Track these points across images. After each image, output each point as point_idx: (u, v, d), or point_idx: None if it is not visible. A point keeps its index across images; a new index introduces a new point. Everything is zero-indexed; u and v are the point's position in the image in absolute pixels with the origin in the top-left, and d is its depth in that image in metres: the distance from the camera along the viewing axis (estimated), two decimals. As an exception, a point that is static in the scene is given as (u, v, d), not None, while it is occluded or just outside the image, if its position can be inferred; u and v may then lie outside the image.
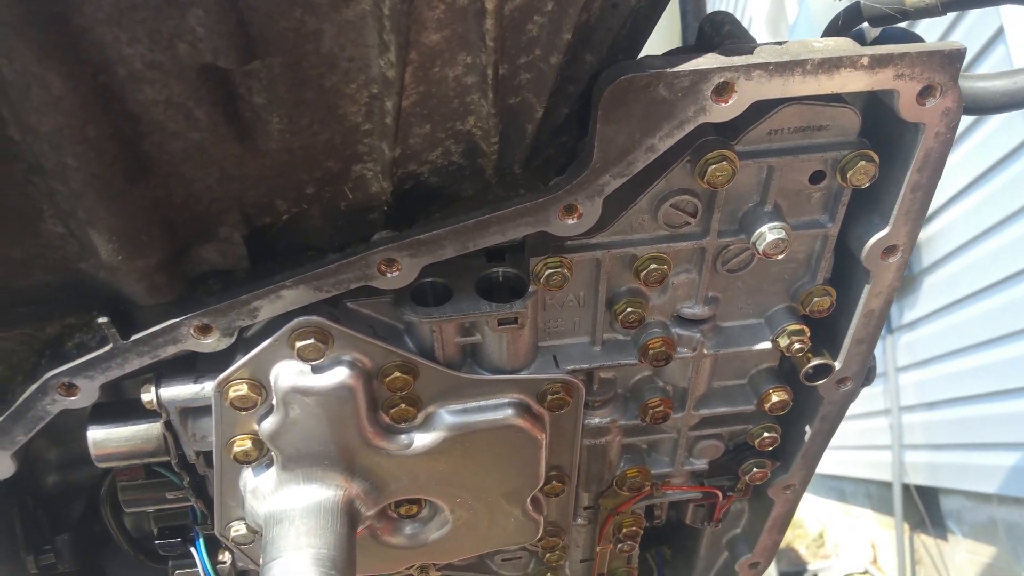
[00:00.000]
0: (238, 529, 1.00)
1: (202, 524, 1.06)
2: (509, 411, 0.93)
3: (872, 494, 7.58)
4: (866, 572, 7.51)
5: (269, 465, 0.94)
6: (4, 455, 0.90)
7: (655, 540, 1.38)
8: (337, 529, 0.90)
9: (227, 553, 1.09)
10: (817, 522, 9.46)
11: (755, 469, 1.10)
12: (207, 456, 0.96)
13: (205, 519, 1.05)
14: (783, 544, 6.42)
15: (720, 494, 1.15)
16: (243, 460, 0.92)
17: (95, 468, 1.17)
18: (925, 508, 6.15)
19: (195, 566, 1.09)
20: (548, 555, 1.17)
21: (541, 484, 1.00)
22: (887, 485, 6.79)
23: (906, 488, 6.04)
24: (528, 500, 1.02)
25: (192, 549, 1.08)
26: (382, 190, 0.81)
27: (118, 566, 1.22)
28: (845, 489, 8.52)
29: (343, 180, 0.79)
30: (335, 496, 0.92)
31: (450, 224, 0.79)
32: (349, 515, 0.93)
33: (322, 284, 0.82)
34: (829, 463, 8.48)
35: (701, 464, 1.12)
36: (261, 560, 0.91)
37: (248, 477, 0.94)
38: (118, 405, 0.96)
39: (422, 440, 0.93)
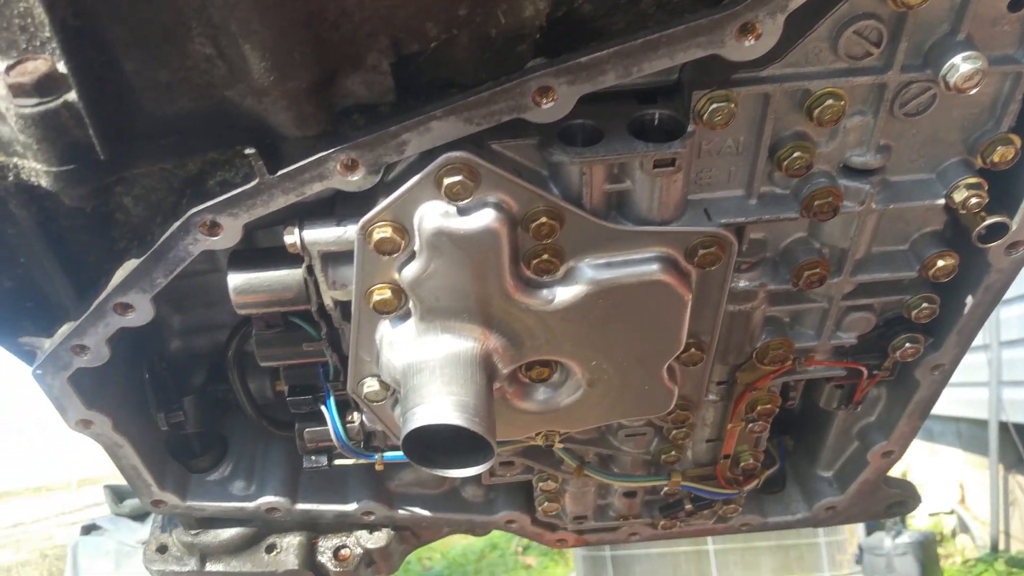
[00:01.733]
0: (371, 386, 0.99)
1: (333, 382, 1.06)
2: (655, 266, 0.88)
3: (963, 432, 7.34)
4: (953, 512, 7.34)
5: (406, 317, 0.91)
6: (144, 299, 0.90)
7: (777, 430, 1.32)
8: (477, 380, 0.88)
9: (355, 414, 1.09)
10: (901, 461, 9.27)
11: (907, 345, 1.03)
12: (344, 307, 0.95)
13: (336, 376, 1.05)
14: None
15: (865, 372, 1.08)
16: (382, 310, 0.89)
17: (215, 335, 1.19)
18: (1022, 446, 5.91)
19: (323, 426, 1.09)
20: (674, 432, 1.13)
21: (680, 350, 0.96)
22: (980, 423, 6.55)
23: (1002, 426, 5.81)
24: (665, 367, 0.98)
25: (322, 408, 1.08)
26: (536, 13, 0.75)
27: (238, 436, 1.24)
28: (933, 428, 8.26)
29: (497, 1, 0.74)
30: (473, 349, 0.90)
31: (614, 44, 0.74)
32: (486, 370, 0.90)
33: (473, 115, 0.78)
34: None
35: (849, 338, 1.05)
36: (400, 409, 0.89)
37: (385, 329, 0.93)
38: (256, 252, 0.95)
39: (563, 295, 0.89)
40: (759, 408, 1.10)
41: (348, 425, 1.09)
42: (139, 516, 4.22)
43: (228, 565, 1.23)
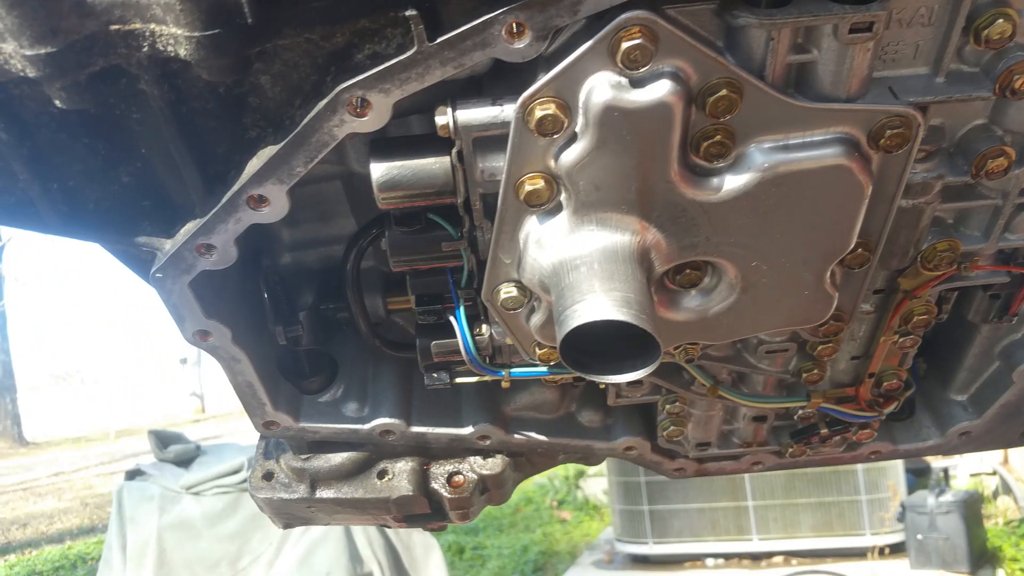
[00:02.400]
0: (508, 291, 0.92)
1: (464, 290, 0.99)
2: (837, 148, 0.80)
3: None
4: (995, 472, 7.25)
5: (555, 212, 0.84)
6: (281, 190, 0.83)
7: (910, 352, 1.25)
8: (638, 276, 0.81)
9: (483, 327, 1.03)
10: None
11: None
12: (489, 203, 0.87)
13: (470, 283, 0.98)
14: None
15: (1033, 277, 1.01)
16: (532, 202, 0.82)
17: (327, 251, 1.12)
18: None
19: (447, 338, 1.02)
20: (820, 347, 1.06)
21: (848, 249, 0.88)
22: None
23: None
24: (829, 269, 0.90)
25: (451, 319, 1.01)
26: None
27: (348, 358, 1.19)
28: (973, 388, 8.06)
29: None
30: (632, 243, 0.83)
31: None
32: (645, 266, 0.83)
33: (656, -31, 0.70)
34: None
35: (1018, 240, 0.97)
36: (555, 309, 0.82)
37: (532, 226, 0.85)
38: (398, 140, 0.88)
39: (732, 184, 0.82)
40: (914, 319, 1.03)
41: (476, 337, 1.02)
42: (183, 462, 4.24)
43: (339, 491, 1.18)
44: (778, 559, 5.85)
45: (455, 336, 1.01)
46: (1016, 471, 6.95)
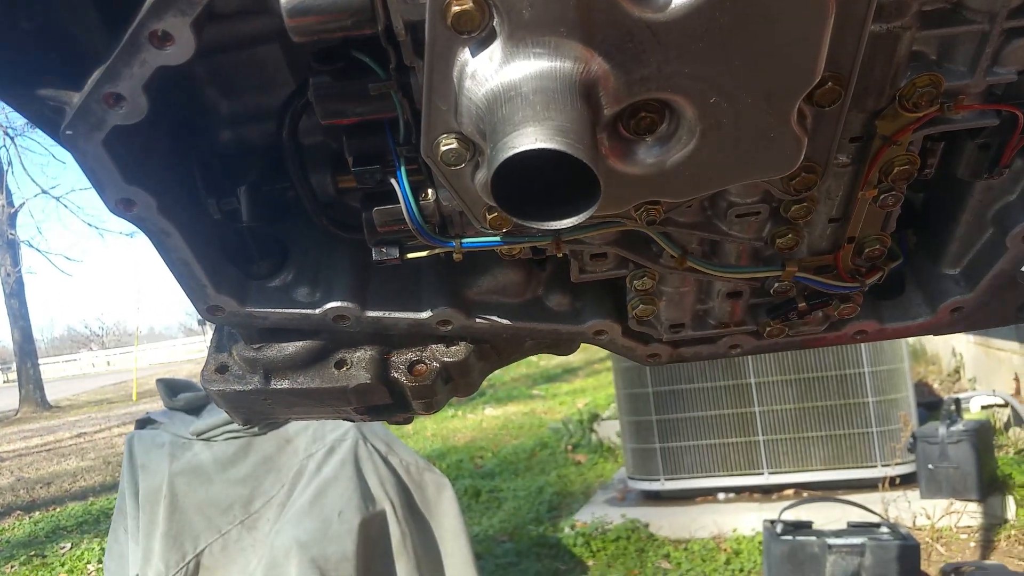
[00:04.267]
0: (448, 143, 0.83)
1: (403, 145, 0.92)
2: (796, -45, 0.72)
3: (1021, 325, 7.13)
4: (1007, 404, 7.20)
5: (490, 40, 0.76)
6: (184, 24, 0.76)
7: (898, 223, 1.17)
8: (579, 107, 0.74)
9: (429, 190, 0.96)
10: (954, 357, 9.10)
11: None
12: (417, 35, 0.80)
13: (408, 138, 0.91)
14: (914, 378, 6.16)
15: (1022, 117, 0.92)
16: (462, 28, 0.74)
17: (270, 126, 1.05)
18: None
19: (393, 204, 0.95)
20: (794, 207, 0.98)
21: (815, 81, 0.80)
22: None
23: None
24: (795, 107, 0.82)
25: (392, 181, 0.94)
26: None
27: (300, 243, 1.12)
28: (988, 320, 8.00)
29: None
30: (572, 71, 0.75)
31: None
32: (589, 102, 0.76)
33: None
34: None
35: (1007, 74, 0.89)
36: (488, 144, 0.75)
37: (466, 59, 0.78)
38: None
39: (682, -1, 0.74)
40: (895, 171, 0.95)
41: (422, 203, 0.96)
42: (193, 409, 4.23)
43: (295, 381, 1.13)
44: (789, 492, 5.85)
45: (400, 203, 0.94)
46: (1030, 403, 6.89)
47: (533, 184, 0.75)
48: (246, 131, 1.06)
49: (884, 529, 4.35)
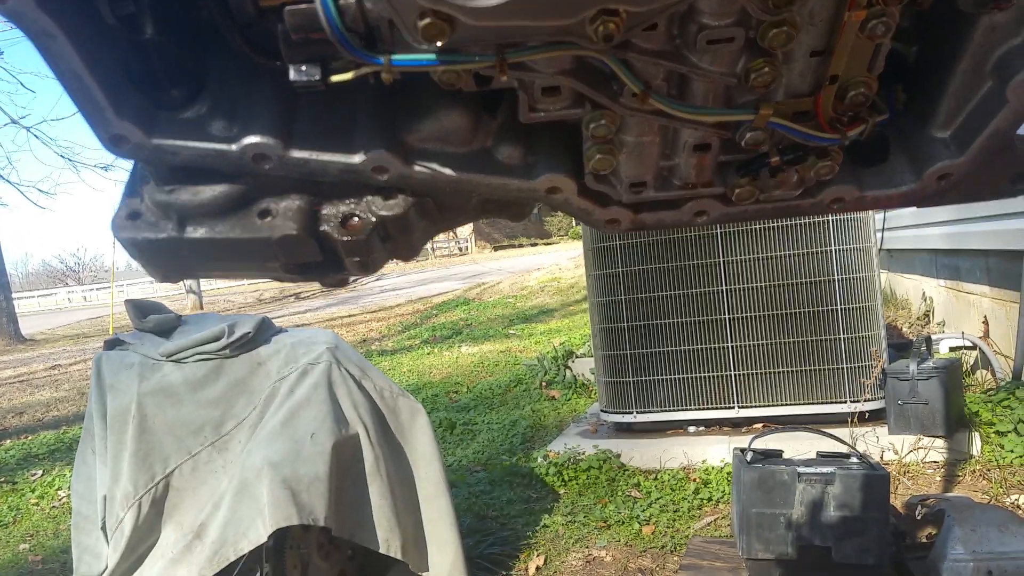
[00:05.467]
0: None
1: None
2: None
3: (991, 267, 7.15)
4: (974, 346, 7.25)
5: None
6: None
7: (884, 79, 1.06)
8: None
9: (355, -6, 0.83)
10: (923, 301, 9.13)
11: None
12: None
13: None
14: (885, 321, 6.14)
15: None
16: None
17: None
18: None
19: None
20: (772, 33, 0.87)
21: None
22: (1012, 254, 6.36)
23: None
24: None
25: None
26: None
27: (217, 74, 0.99)
28: (959, 265, 8.11)
29: None
30: None
31: None
32: None
33: None
34: (941, 239, 8.01)
35: None
36: None
37: None
38: None
39: None
40: (886, -15, 0.83)
41: (342, 4, 0.83)
42: (163, 331, 4.11)
43: (212, 230, 1.01)
44: (758, 426, 5.86)
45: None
46: (996, 344, 6.93)
47: None
48: None
49: (854, 459, 4.35)
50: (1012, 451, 5.10)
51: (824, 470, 4.17)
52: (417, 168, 1.02)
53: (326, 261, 1.05)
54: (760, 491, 4.22)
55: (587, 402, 7.90)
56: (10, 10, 0.78)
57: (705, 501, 5.18)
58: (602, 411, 6.40)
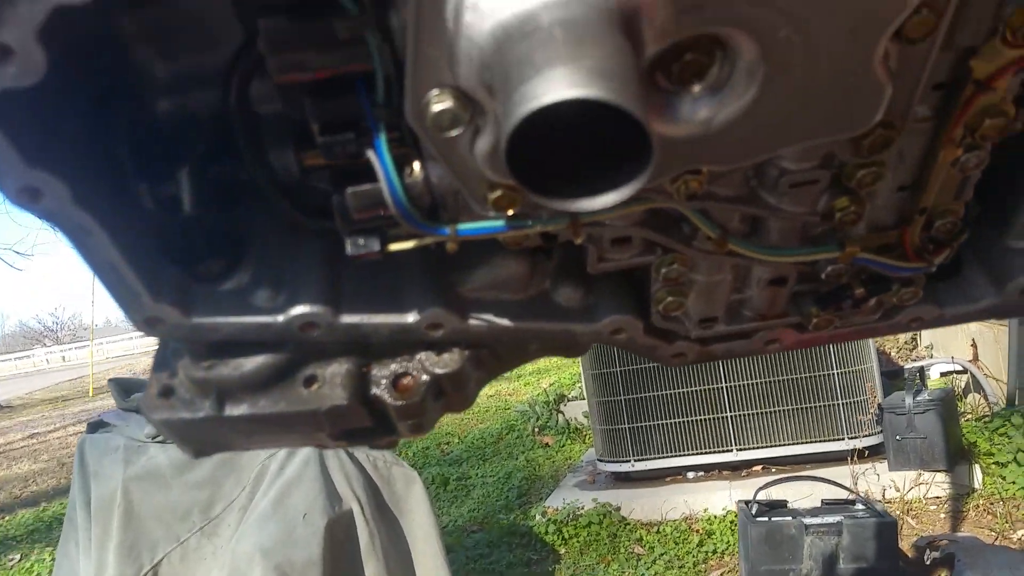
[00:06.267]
0: (441, 102, 0.63)
1: (383, 107, 0.72)
2: None
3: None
4: (965, 370, 7.28)
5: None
6: None
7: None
8: (619, 44, 0.55)
9: (415, 164, 0.76)
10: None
11: None
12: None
13: (389, 99, 0.71)
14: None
15: None
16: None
17: (216, 91, 0.85)
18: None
19: (371, 183, 0.76)
20: (861, 173, 0.81)
21: (911, 8, 0.63)
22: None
23: None
24: (883, 40, 0.64)
25: (369, 153, 0.74)
26: None
27: (260, 236, 0.92)
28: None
29: None
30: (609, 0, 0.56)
31: None
32: (630, 37, 0.57)
33: None
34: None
35: None
36: (498, 99, 0.56)
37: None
38: None
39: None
40: (985, 124, 0.78)
41: (408, 181, 0.76)
42: (146, 412, 3.97)
43: (254, 406, 0.92)
44: (758, 468, 5.80)
45: (380, 181, 0.74)
46: (986, 367, 6.96)
47: (550, 154, 0.57)
48: (189, 99, 0.85)
49: (859, 506, 4.29)
50: (1014, 483, 5.08)
51: (831, 520, 4.11)
52: (473, 321, 0.94)
53: (376, 426, 0.97)
54: (768, 546, 4.14)
55: (581, 448, 7.80)
56: (45, 209, 0.70)
57: (710, 554, 5.08)
58: (599, 460, 6.30)
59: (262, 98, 0.84)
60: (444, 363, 0.96)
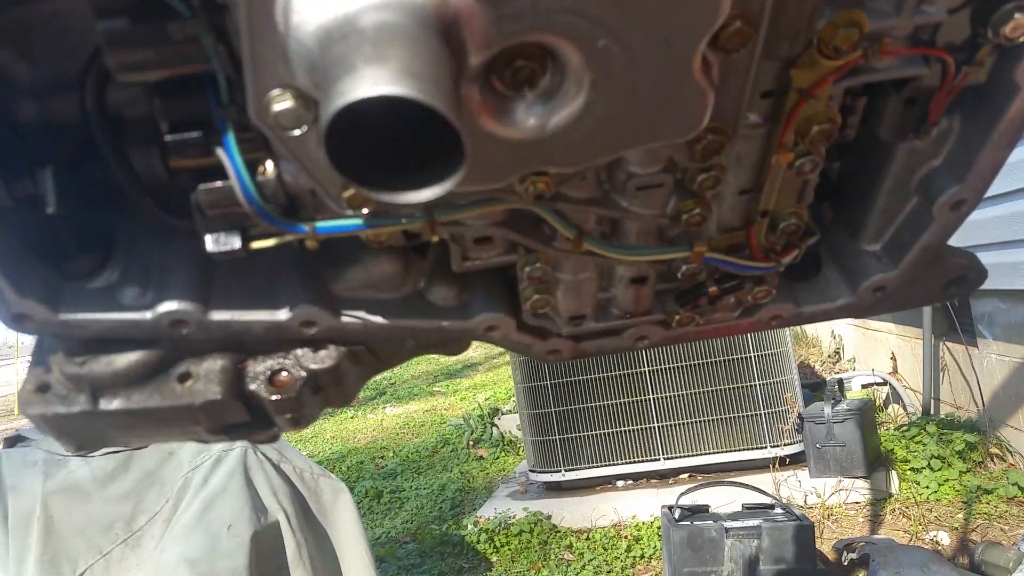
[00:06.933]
0: (281, 102, 0.64)
1: (228, 106, 0.75)
2: None
3: (894, 304, 7.45)
4: (885, 382, 7.53)
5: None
6: None
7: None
8: (435, 49, 0.58)
9: (268, 163, 0.79)
10: (833, 339, 9.45)
11: (1017, 15, 0.78)
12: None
13: (233, 95, 0.74)
14: (797, 360, 6.32)
15: (952, 64, 0.83)
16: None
17: (78, 97, 0.86)
18: (954, 313, 6.00)
19: (222, 180, 0.78)
20: (701, 177, 0.87)
21: (722, 20, 0.68)
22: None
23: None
24: (699, 50, 0.69)
25: (219, 151, 0.77)
26: None
27: (128, 236, 0.93)
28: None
29: None
30: (427, 4, 0.59)
31: None
32: (450, 44, 0.61)
33: None
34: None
35: (936, 13, 0.79)
36: (319, 88, 0.59)
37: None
38: None
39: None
40: (813, 131, 0.84)
41: (261, 179, 0.79)
42: (63, 427, 3.87)
43: (129, 400, 0.93)
44: (684, 476, 5.91)
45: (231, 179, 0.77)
46: (905, 379, 7.22)
47: (392, 153, 0.60)
48: (53, 102, 0.87)
49: (778, 510, 4.41)
50: (927, 487, 5.28)
51: (750, 523, 4.22)
52: (347, 319, 0.97)
53: (254, 420, 0.99)
54: (690, 549, 4.23)
55: (515, 460, 7.83)
56: None
57: (638, 559, 5.16)
58: (531, 471, 6.34)
59: (133, 101, 0.85)
60: (320, 359, 0.99)
